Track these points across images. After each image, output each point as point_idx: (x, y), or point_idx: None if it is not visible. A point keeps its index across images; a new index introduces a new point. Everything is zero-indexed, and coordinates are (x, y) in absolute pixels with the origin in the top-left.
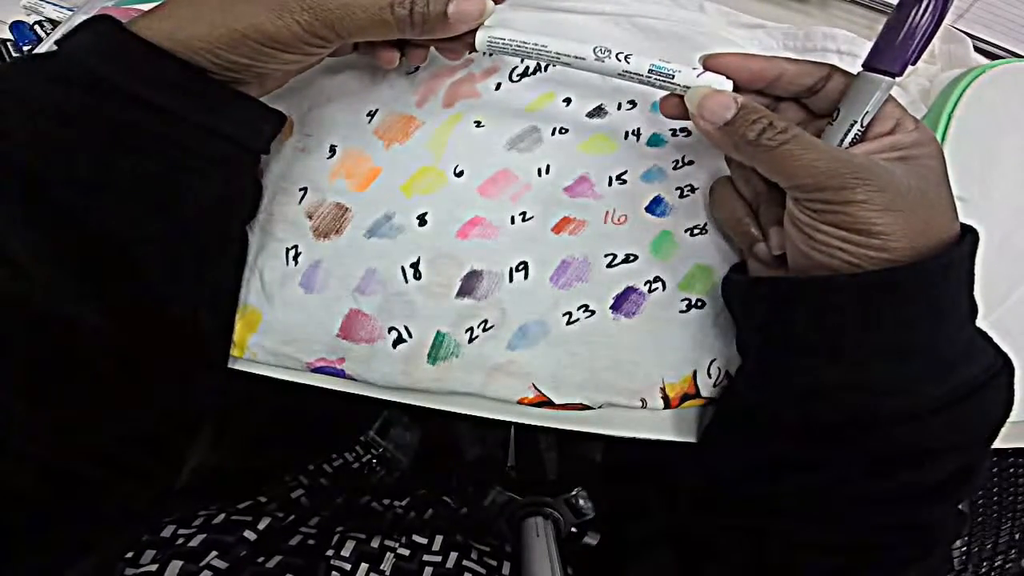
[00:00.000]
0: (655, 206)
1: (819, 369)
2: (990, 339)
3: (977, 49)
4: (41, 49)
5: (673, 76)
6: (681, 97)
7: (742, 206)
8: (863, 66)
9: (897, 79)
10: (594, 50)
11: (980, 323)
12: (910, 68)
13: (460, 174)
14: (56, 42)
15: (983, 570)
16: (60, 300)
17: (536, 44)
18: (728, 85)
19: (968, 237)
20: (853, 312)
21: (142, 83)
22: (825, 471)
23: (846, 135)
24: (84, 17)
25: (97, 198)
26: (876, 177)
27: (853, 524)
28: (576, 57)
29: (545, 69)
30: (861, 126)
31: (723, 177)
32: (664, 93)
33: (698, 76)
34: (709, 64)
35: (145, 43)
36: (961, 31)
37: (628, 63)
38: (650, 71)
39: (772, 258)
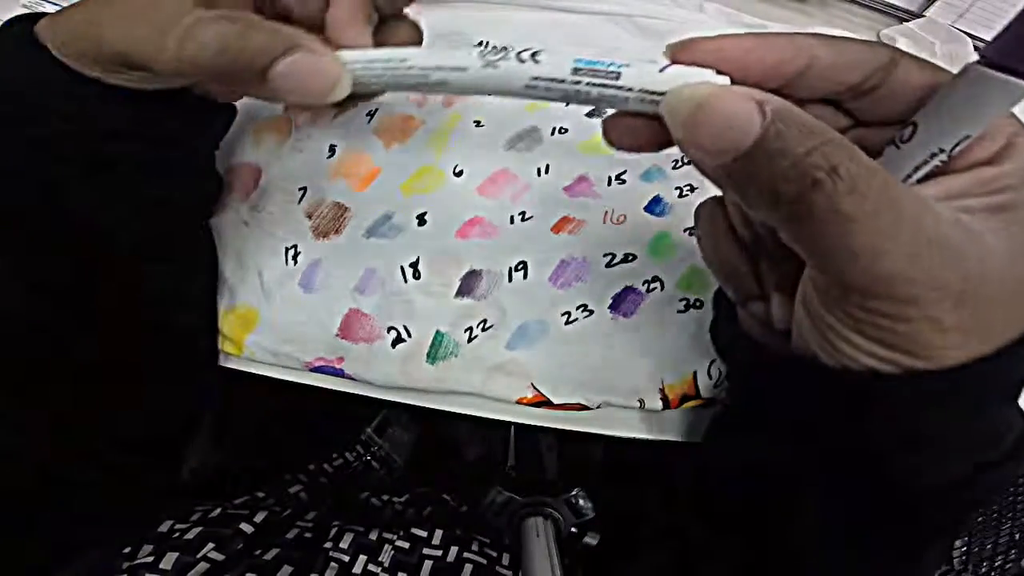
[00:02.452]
0: (654, 206)
1: (818, 443)
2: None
3: (977, 49)
4: None
5: (618, 75)
6: (636, 116)
7: (737, 248)
8: (980, 62)
9: None
10: (480, 54)
11: None
12: None
13: (459, 174)
14: None
15: (983, 570)
16: (42, 308)
17: (391, 60)
18: (722, 80)
19: None
20: (869, 415)
21: (64, 101)
22: (806, 505)
23: (918, 169)
24: None
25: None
26: (963, 276)
27: (824, 557)
28: (454, 68)
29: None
30: (949, 157)
31: (714, 199)
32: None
33: (661, 71)
34: (682, 53)
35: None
36: (961, 31)
37: (538, 62)
38: (576, 70)
39: (768, 319)
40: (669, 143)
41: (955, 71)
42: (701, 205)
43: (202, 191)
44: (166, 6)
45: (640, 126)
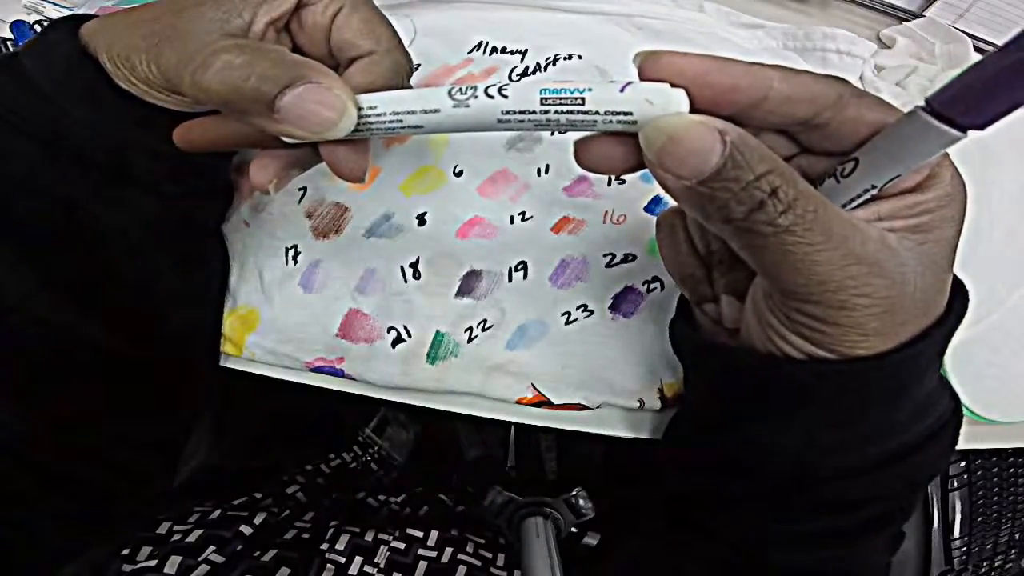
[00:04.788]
0: (654, 206)
1: (761, 432)
2: (946, 382)
3: (977, 49)
4: None
5: (583, 100)
6: (606, 138)
7: (694, 255)
8: (925, 107)
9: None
10: (449, 93)
11: (978, 324)
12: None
13: (459, 174)
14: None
15: (983, 570)
16: (47, 307)
17: (360, 109)
18: (684, 102)
19: (953, 311)
20: (803, 396)
21: (96, 119)
22: (750, 504)
23: (852, 200)
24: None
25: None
26: (885, 286)
27: (777, 555)
28: (427, 111)
29: (545, 69)
30: (879, 191)
31: (673, 210)
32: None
33: (621, 90)
34: (649, 63)
35: (104, 80)
36: (961, 31)
37: (506, 96)
38: (543, 100)
39: (719, 318)
40: (640, 166)
41: (954, 70)
42: (662, 215)
43: (218, 205)
44: (194, 35)
45: (609, 151)
